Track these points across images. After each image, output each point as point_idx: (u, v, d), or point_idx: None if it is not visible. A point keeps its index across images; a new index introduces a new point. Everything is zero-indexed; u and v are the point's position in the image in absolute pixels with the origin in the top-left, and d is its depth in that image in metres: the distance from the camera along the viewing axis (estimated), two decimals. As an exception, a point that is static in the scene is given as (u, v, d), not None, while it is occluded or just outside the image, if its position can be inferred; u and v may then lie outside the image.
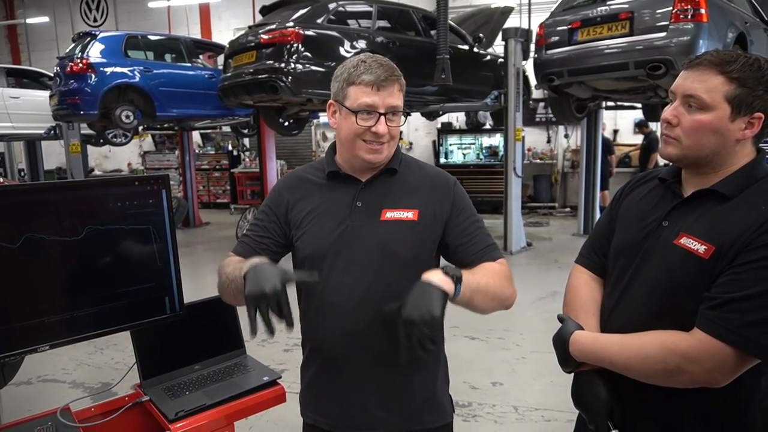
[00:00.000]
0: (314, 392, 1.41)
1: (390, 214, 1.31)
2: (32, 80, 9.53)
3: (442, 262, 1.36)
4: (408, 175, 1.38)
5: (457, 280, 1.14)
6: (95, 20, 14.45)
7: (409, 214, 1.31)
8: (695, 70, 1.09)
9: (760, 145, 1.13)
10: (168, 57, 8.02)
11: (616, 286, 1.22)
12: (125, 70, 7.12)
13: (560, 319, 1.28)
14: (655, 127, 9.36)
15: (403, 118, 1.30)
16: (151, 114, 7.43)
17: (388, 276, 1.29)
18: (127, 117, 7.15)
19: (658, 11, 5.06)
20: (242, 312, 1.83)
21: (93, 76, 6.85)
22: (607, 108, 8.53)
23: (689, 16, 4.85)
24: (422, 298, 1.10)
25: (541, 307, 4.87)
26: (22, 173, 12.05)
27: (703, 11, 4.84)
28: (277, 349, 3.91)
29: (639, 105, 8.08)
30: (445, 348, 1.46)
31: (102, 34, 7.31)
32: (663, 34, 4.97)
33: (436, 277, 1.13)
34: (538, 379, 3.47)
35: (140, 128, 9.77)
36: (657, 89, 5.87)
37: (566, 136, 11.22)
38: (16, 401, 3.16)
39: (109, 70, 6.97)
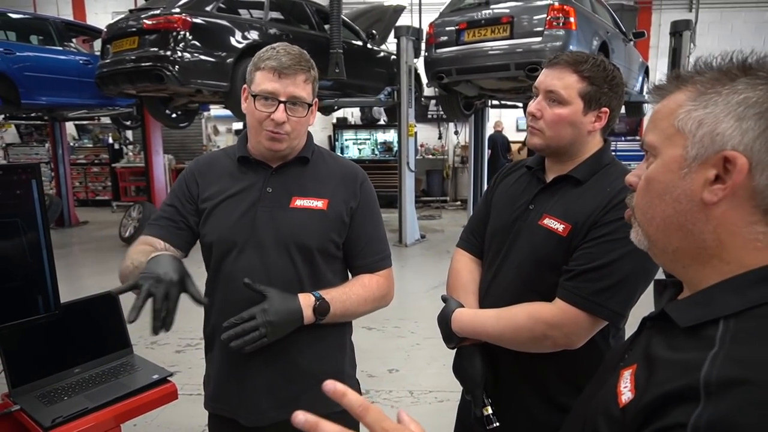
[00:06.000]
0: (218, 380, 1.38)
1: (300, 202, 1.33)
2: None
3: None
4: (320, 165, 1.39)
5: (321, 316, 1.27)
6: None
7: (318, 203, 1.33)
8: (554, 68, 1.23)
9: (606, 135, 1.30)
10: (34, 39, 7.25)
11: (491, 265, 1.34)
12: (-19, 51, 6.35)
13: (443, 299, 1.37)
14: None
15: (307, 110, 1.30)
16: (14, 101, 6.66)
17: (294, 263, 1.31)
18: (-16, 104, 6.39)
19: (534, 17, 5.49)
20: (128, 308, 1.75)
21: (-61, 56, 6.04)
22: (492, 107, 9.09)
23: (561, 24, 5.33)
24: (288, 314, 1.22)
25: (435, 296, 5.03)
26: None
27: (572, 20, 5.34)
28: (168, 351, 3.73)
29: (520, 104, 8.70)
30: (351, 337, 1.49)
31: (-49, 10, 6.45)
32: (539, 38, 5.41)
33: (307, 308, 1.25)
34: (432, 363, 3.65)
35: (1, 117, 8.77)
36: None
37: (456, 132, 11.76)
38: None
39: (-40, 50, 6.18)
